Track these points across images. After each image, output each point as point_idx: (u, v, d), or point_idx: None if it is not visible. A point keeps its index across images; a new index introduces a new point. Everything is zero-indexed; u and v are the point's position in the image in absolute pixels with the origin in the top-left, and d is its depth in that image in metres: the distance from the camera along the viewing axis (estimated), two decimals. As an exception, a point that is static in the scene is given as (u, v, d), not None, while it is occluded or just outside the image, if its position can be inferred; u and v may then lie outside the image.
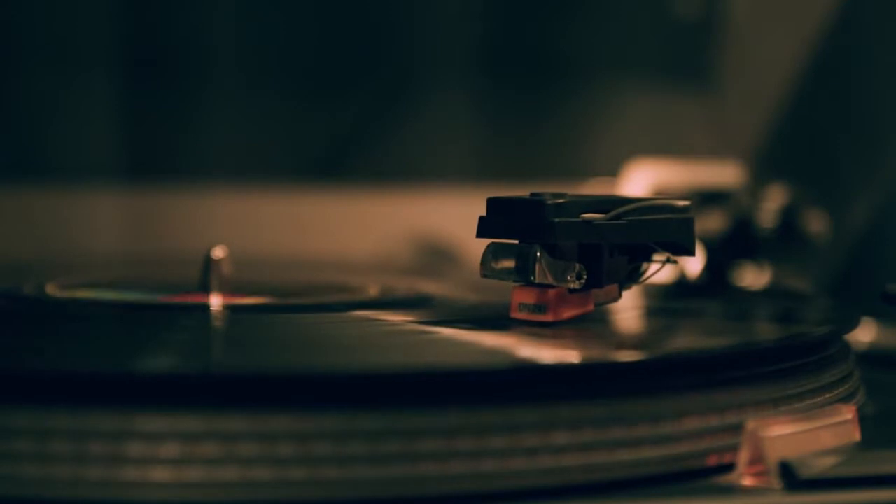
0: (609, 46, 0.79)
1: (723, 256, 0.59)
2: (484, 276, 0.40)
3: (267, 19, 0.77)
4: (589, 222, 0.39)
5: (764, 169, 0.69)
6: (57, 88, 0.74)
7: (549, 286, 0.39)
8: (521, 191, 0.41)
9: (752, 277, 0.59)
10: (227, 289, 0.46)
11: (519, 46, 0.79)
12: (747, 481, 0.33)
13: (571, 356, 0.36)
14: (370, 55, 0.78)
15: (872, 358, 0.50)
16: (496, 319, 0.40)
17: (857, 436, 0.36)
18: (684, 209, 0.41)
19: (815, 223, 0.60)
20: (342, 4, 0.78)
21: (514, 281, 0.39)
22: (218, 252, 0.47)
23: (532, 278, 0.39)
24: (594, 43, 0.79)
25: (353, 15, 0.78)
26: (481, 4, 0.78)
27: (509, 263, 0.39)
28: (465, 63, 0.78)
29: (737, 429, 0.34)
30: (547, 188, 0.42)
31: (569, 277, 0.39)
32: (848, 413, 0.36)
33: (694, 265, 0.57)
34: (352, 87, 0.77)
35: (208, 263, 0.47)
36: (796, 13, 0.73)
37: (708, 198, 0.61)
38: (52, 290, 0.49)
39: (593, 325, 0.40)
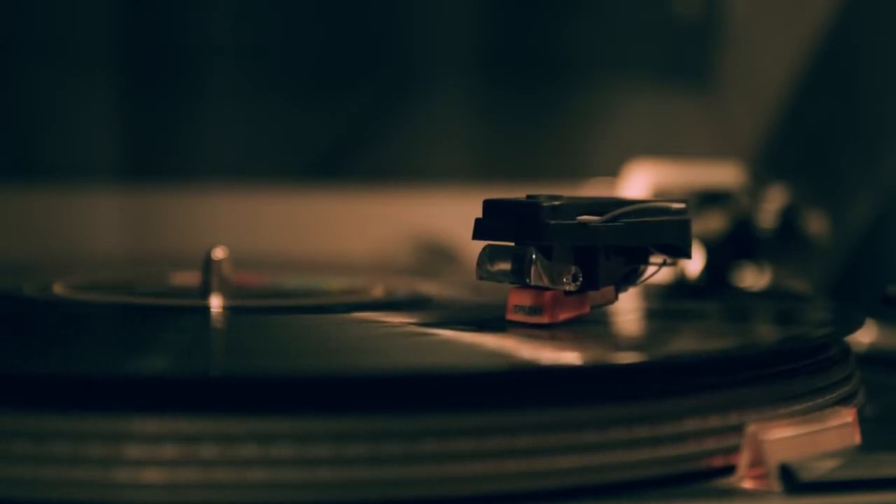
0: (609, 46, 0.79)
1: (723, 257, 0.59)
2: (480, 278, 0.40)
3: (267, 19, 0.77)
4: (585, 225, 0.39)
5: (764, 169, 0.69)
6: (57, 89, 0.74)
7: (545, 288, 0.39)
8: (521, 191, 0.41)
9: (752, 278, 0.59)
10: (228, 290, 0.46)
11: (519, 46, 0.79)
12: (748, 484, 0.33)
13: (569, 358, 0.36)
14: (370, 55, 0.78)
15: (873, 359, 0.50)
16: (493, 321, 0.40)
17: (857, 438, 0.36)
18: (681, 211, 0.40)
19: (815, 223, 0.60)
20: (342, 5, 0.78)
21: (510, 283, 0.39)
22: (218, 252, 0.47)
23: (528, 280, 0.39)
24: (594, 43, 0.79)
25: (354, 15, 0.78)
26: (481, 4, 0.78)
27: (505, 265, 0.39)
28: (465, 63, 0.78)
29: (737, 431, 0.34)
30: (547, 188, 0.42)
31: (565, 279, 0.39)
32: (848, 415, 0.36)
33: (694, 266, 0.57)
34: (352, 87, 0.77)
35: (208, 264, 0.47)
36: (796, 13, 0.73)
37: (708, 198, 0.60)
38: (51, 290, 0.49)
39: (590, 327, 0.40)
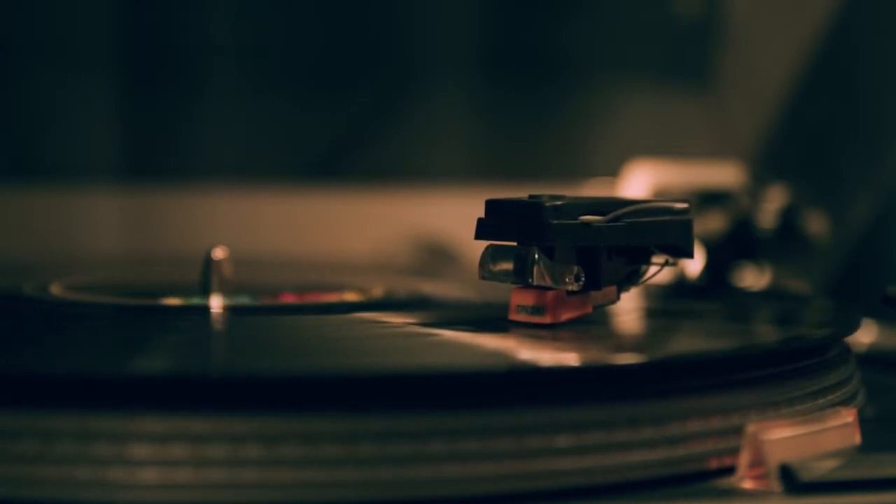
0: (609, 46, 0.79)
1: (723, 257, 0.59)
2: (482, 277, 0.40)
3: (267, 19, 0.77)
4: (587, 224, 0.39)
5: (764, 169, 0.69)
6: (57, 89, 0.74)
7: (548, 288, 0.39)
8: (521, 191, 0.41)
9: (753, 278, 0.59)
10: (228, 290, 0.46)
11: (519, 46, 0.79)
12: (748, 484, 0.33)
13: (570, 359, 0.36)
14: (370, 55, 0.78)
15: (873, 359, 0.50)
16: (495, 321, 0.40)
17: (857, 439, 0.36)
18: (683, 211, 0.40)
19: (815, 223, 0.60)
20: (342, 5, 0.78)
21: (513, 283, 0.39)
22: (218, 252, 0.47)
23: (530, 280, 0.39)
24: (594, 43, 0.79)
25: (354, 15, 0.78)
26: (481, 4, 0.78)
27: (507, 265, 0.39)
28: (465, 63, 0.78)
29: (737, 432, 0.34)
30: (547, 189, 0.42)
31: (567, 279, 0.39)
32: (848, 416, 0.36)
33: (694, 266, 0.57)
34: (352, 87, 0.77)
35: (209, 264, 0.47)
36: (796, 13, 0.73)
37: (708, 198, 0.60)
38: (51, 290, 0.49)
39: (592, 327, 0.40)
